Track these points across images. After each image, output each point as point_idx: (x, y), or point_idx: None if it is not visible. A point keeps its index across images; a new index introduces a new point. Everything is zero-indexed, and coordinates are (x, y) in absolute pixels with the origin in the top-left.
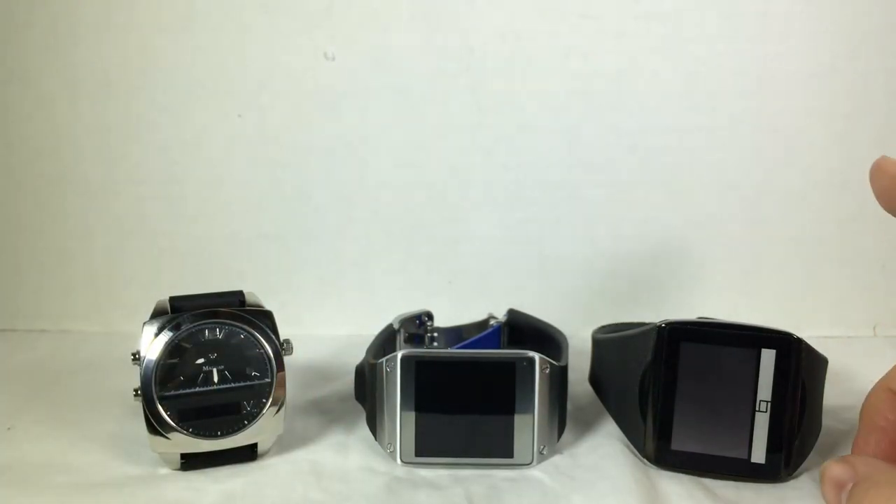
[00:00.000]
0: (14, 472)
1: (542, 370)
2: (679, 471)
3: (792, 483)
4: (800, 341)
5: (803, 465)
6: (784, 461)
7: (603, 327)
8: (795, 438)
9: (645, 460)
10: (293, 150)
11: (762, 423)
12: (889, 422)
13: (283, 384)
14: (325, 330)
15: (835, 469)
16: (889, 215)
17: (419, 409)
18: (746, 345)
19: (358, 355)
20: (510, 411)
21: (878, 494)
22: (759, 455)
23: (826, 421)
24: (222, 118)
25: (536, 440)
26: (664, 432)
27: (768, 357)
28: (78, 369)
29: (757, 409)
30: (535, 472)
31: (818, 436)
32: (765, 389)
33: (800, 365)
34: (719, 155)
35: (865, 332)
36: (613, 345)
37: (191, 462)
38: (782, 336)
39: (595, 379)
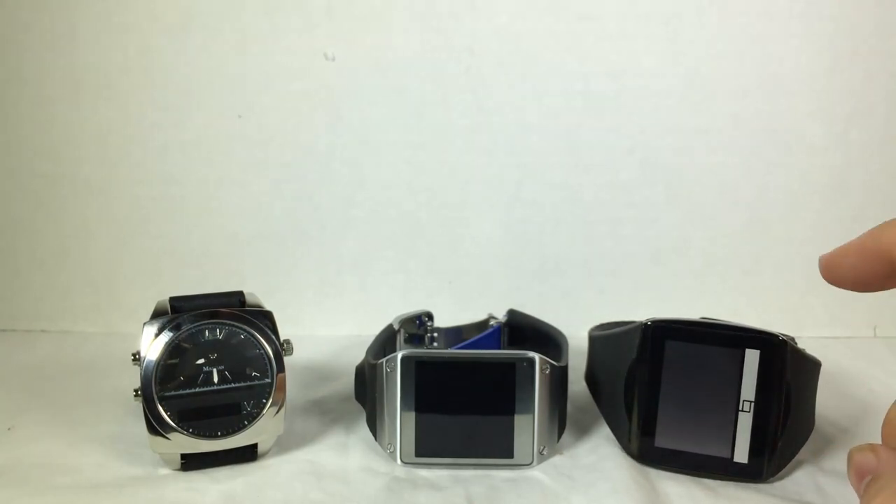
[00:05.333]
0: (14, 472)
1: (542, 370)
2: (662, 468)
3: (782, 483)
4: (784, 343)
5: (793, 466)
6: (767, 462)
7: (599, 325)
8: (779, 439)
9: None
10: (293, 150)
11: (745, 423)
12: None
13: (283, 384)
14: (325, 330)
15: (858, 456)
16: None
17: (419, 409)
18: (730, 344)
19: (358, 355)
20: (510, 412)
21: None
22: (741, 455)
23: (822, 421)
24: (222, 118)
25: (536, 441)
26: (648, 429)
27: (752, 357)
28: (78, 369)
29: (740, 409)
30: (535, 473)
31: (808, 436)
32: (748, 390)
33: (784, 366)
34: (719, 155)
35: (865, 332)
36: (603, 342)
37: (191, 462)
38: (767, 337)
39: (589, 376)
